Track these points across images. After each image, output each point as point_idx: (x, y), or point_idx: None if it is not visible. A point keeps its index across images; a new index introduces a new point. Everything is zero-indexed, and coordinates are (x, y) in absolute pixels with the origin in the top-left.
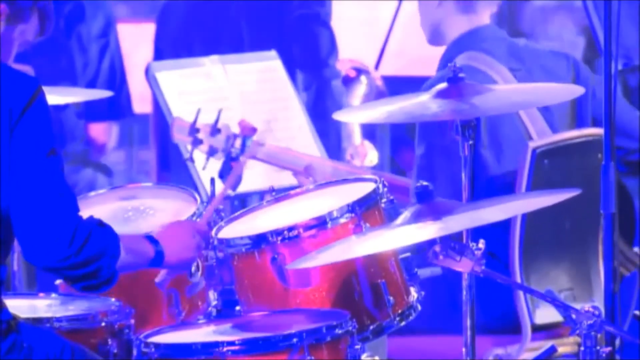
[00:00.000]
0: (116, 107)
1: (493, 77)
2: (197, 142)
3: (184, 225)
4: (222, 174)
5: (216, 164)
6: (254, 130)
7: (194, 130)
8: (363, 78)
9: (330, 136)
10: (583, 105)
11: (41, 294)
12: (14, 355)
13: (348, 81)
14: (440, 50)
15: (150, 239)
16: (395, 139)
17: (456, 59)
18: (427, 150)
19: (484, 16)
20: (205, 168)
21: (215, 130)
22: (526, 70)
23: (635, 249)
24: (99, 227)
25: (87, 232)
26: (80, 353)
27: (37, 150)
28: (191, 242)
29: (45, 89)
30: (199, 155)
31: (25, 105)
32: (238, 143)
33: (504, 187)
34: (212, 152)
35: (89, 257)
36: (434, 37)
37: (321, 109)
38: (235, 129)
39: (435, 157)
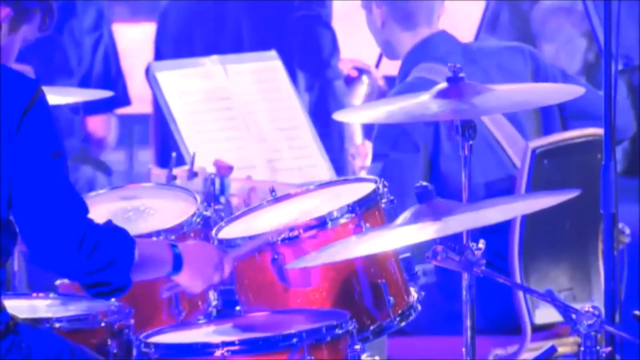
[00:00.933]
0: (112, 99)
1: None
2: None
3: (213, 251)
4: None
5: None
6: (230, 168)
7: (170, 177)
8: (364, 78)
9: (333, 137)
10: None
11: (41, 294)
12: (13, 355)
13: (350, 81)
14: None
15: (173, 246)
16: None
17: (411, 72)
18: (385, 165)
19: (429, 27)
20: None
21: (192, 174)
22: (482, 72)
23: (619, 225)
24: (112, 233)
25: (97, 237)
26: (80, 353)
27: (41, 153)
28: (211, 269)
29: (44, 89)
30: None
31: (26, 107)
32: (217, 183)
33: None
34: None
35: (100, 265)
36: (389, 53)
37: (324, 110)
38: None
39: (393, 171)
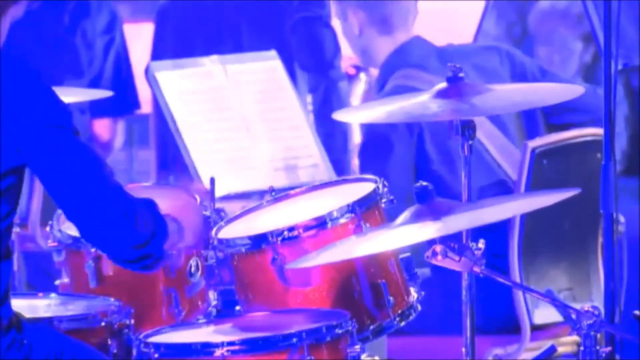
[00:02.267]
0: (121, 103)
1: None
2: None
3: (188, 198)
4: None
5: None
6: None
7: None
8: (362, 76)
9: (337, 137)
10: None
11: (41, 294)
12: (13, 352)
13: (347, 79)
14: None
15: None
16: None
17: (388, 81)
18: (366, 140)
19: (406, 31)
20: None
21: None
22: None
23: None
24: (150, 206)
25: (135, 208)
26: (81, 352)
27: (58, 129)
28: (194, 206)
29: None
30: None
31: (24, 93)
32: None
33: None
34: None
35: (146, 237)
36: (366, 60)
37: (328, 111)
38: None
39: (376, 146)
